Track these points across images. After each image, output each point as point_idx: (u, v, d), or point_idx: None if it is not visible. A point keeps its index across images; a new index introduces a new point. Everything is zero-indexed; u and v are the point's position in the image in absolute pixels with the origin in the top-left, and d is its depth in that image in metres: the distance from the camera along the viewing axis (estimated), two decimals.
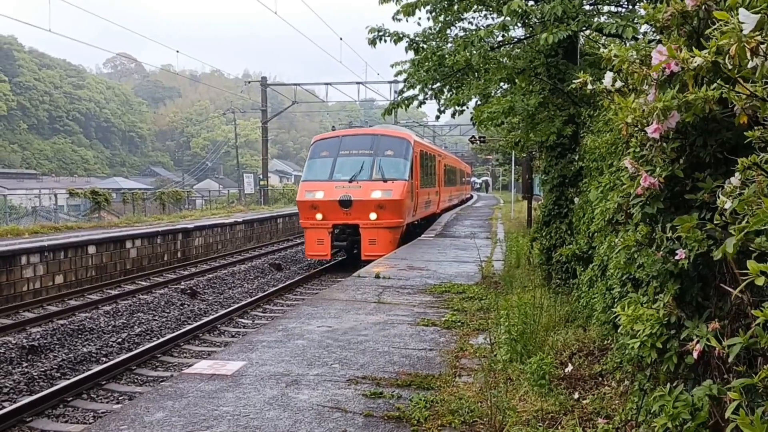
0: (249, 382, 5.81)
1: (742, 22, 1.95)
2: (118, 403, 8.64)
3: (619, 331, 4.18)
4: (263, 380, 5.84)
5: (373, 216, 19.44)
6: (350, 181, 19.96)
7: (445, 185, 35.02)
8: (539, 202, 14.00)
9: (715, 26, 2.23)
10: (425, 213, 26.27)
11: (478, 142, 41.14)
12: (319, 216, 19.95)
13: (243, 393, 5.49)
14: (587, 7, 8.28)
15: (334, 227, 20.10)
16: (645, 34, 6.87)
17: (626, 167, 3.42)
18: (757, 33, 1.95)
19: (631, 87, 3.43)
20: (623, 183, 3.93)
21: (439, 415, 4.97)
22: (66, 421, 8.20)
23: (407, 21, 9.07)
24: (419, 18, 9.45)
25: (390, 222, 19.68)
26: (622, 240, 3.94)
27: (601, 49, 3.66)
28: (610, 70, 3.61)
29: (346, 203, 19.58)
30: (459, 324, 8.19)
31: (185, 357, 10.94)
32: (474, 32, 8.55)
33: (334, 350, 6.90)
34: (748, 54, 1.96)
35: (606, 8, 9.09)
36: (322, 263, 21.69)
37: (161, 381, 5.93)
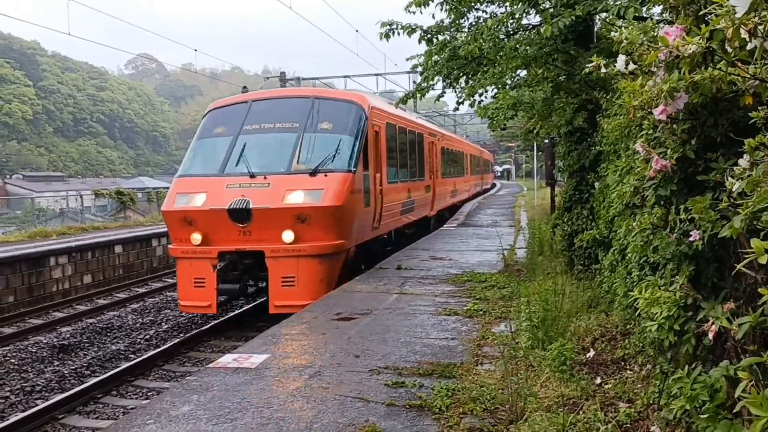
0: (272, 374, 5.88)
1: (735, 6, 1.93)
2: (146, 398, 8.79)
3: (638, 314, 4.17)
4: (286, 372, 5.91)
5: (288, 236, 11.13)
6: (253, 175, 11.63)
7: (444, 176, 25.87)
8: (562, 188, 13.93)
9: (708, 8, 2.22)
10: (403, 221, 17.54)
11: (499, 129, 40.82)
12: (196, 237, 11.45)
13: (267, 385, 5.57)
14: None
15: (221, 257, 11.50)
16: (662, 14, 6.79)
17: (638, 151, 3.41)
18: (753, 14, 1.93)
19: (643, 69, 3.41)
20: (638, 166, 3.92)
21: (460, 402, 5.00)
22: (96, 418, 8.37)
23: (421, 13, 9.05)
24: (433, 13, 9.45)
25: (319, 246, 11.23)
26: (638, 223, 3.93)
27: (612, 33, 3.63)
28: (622, 52, 3.59)
29: (240, 214, 11.20)
30: (481, 313, 8.19)
31: (211, 352, 11.09)
32: (483, 24, 8.52)
33: (356, 341, 6.96)
34: (745, 35, 1.95)
35: None
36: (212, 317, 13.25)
37: (187, 376, 6.03)
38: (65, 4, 23.52)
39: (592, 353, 5.94)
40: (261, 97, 13.84)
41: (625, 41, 3.39)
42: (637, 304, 3.64)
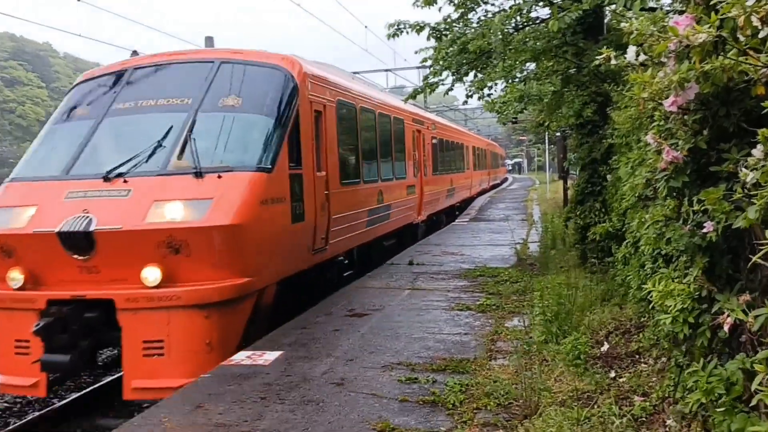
0: (285, 371, 5.89)
1: None
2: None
3: (652, 307, 4.14)
4: (299, 369, 5.92)
5: (152, 275, 7.16)
6: (108, 178, 7.71)
7: (437, 173, 21.15)
8: (574, 181, 13.87)
9: None
10: (374, 233, 13.06)
11: (509, 122, 40.46)
12: (15, 277, 7.45)
13: (280, 382, 5.58)
14: None
15: (50, 307, 7.19)
16: (672, 3, 6.72)
17: (649, 142, 3.37)
18: (764, 2, 1.90)
19: (654, 60, 3.38)
20: (650, 158, 3.88)
21: (474, 398, 4.99)
22: (115, 417, 8.42)
23: (429, 8, 9.04)
24: (440, 7, 9.42)
25: (203, 290, 7.19)
26: (651, 215, 3.90)
27: (621, 24, 3.60)
28: (632, 43, 3.56)
29: (77, 241, 7.20)
30: (494, 307, 8.18)
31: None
32: (490, 19, 8.49)
33: (368, 337, 6.96)
34: (757, 23, 1.91)
35: None
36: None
37: (202, 374, 6.06)
38: (73, 3, 23.38)
39: (606, 347, 5.91)
40: (146, 63, 9.43)
41: (634, 32, 3.36)
42: (651, 296, 3.61)
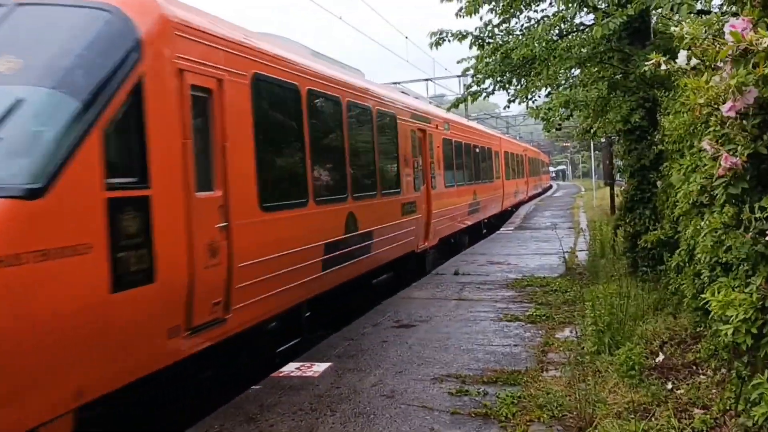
0: (335, 383, 5.90)
1: None
2: None
3: (710, 317, 4.03)
4: (348, 380, 5.93)
5: None
6: None
7: (452, 185, 16.68)
8: (622, 188, 13.62)
9: None
10: (346, 274, 8.88)
11: (554, 129, 39.58)
12: None
13: (330, 394, 5.59)
14: None
15: None
16: (722, 6, 6.57)
17: (705, 148, 3.30)
18: None
19: (707, 65, 3.31)
20: (705, 164, 3.79)
21: (526, 410, 4.93)
22: None
23: (471, 17, 9.02)
24: (481, 15, 9.38)
25: None
26: (707, 223, 3.80)
27: (672, 28, 3.54)
28: (684, 48, 3.49)
29: None
30: (544, 318, 8.07)
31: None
32: (534, 28, 8.43)
33: (416, 348, 6.94)
34: None
35: None
36: None
37: (253, 386, 6.12)
38: None
39: (661, 357, 5.77)
40: None
41: (686, 36, 3.29)
42: (709, 306, 3.52)
